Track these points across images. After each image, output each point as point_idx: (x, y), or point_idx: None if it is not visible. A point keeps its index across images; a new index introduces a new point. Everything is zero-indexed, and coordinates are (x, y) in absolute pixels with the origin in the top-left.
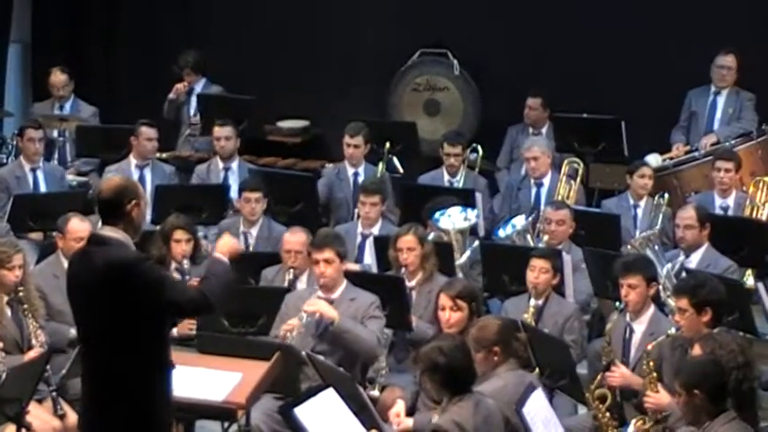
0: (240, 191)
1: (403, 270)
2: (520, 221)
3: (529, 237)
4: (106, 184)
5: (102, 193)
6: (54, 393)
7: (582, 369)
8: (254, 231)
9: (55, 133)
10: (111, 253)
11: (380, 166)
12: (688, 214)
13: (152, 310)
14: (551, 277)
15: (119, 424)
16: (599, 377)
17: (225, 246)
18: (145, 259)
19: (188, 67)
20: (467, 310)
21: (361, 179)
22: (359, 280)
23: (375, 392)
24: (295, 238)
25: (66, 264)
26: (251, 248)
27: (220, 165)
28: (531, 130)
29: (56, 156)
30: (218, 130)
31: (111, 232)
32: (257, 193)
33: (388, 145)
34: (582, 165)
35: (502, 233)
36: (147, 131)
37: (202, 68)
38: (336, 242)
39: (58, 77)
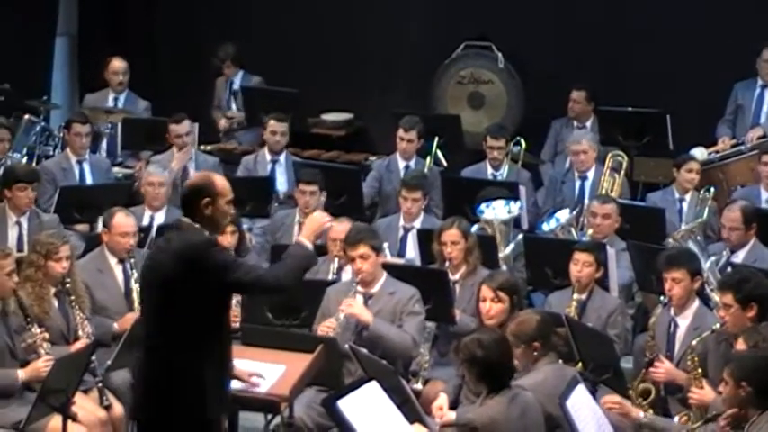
0: (297, 182)
1: (447, 263)
2: (564, 215)
3: (573, 230)
4: (189, 180)
5: (183, 189)
6: (100, 384)
7: (627, 364)
8: None
9: (107, 126)
10: (185, 236)
11: (428, 159)
12: (734, 215)
13: (217, 294)
14: (595, 271)
15: (171, 411)
16: (643, 372)
17: (309, 229)
18: (214, 244)
19: (228, 60)
20: (508, 303)
21: None
22: (402, 273)
23: (418, 386)
24: (342, 227)
25: (111, 259)
26: None
27: (268, 157)
28: (575, 123)
29: (104, 147)
30: (275, 125)
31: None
32: (312, 186)
33: (437, 138)
34: (626, 158)
35: (546, 227)
36: (176, 128)
37: (241, 61)
38: (369, 236)
39: (119, 63)
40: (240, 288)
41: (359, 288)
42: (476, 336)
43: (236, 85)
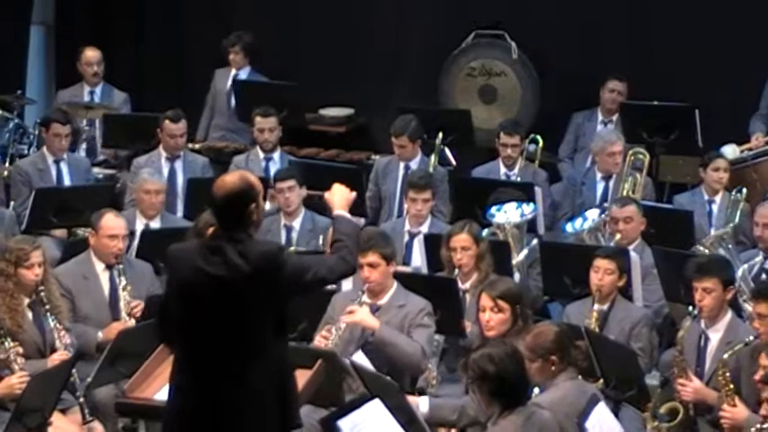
0: (274, 181)
1: (456, 271)
2: (594, 215)
3: (600, 235)
4: (221, 189)
5: (218, 199)
6: (81, 401)
7: (653, 380)
8: (296, 224)
9: (84, 122)
10: (256, 247)
11: (433, 158)
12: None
13: (288, 300)
14: (617, 279)
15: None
16: (671, 389)
17: (341, 199)
18: (284, 248)
19: (239, 46)
20: (509, 313)
21: None
22: (408, 282)
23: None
24: None
25: (97, 265)
26: (293, 244)
27: (261, 155)
28: (600, 117)
29: (83, 146)
30: (261, 121)
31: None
32: (289, 182)
33: (443, 136)
34: (647, 156)
35: (570, 228)
36: (171, 127)
37: (252, 54)
38: (381, 243)
39: (93, 53)
40: (314, 287)
41: (365, 298)
42: (486, 350)
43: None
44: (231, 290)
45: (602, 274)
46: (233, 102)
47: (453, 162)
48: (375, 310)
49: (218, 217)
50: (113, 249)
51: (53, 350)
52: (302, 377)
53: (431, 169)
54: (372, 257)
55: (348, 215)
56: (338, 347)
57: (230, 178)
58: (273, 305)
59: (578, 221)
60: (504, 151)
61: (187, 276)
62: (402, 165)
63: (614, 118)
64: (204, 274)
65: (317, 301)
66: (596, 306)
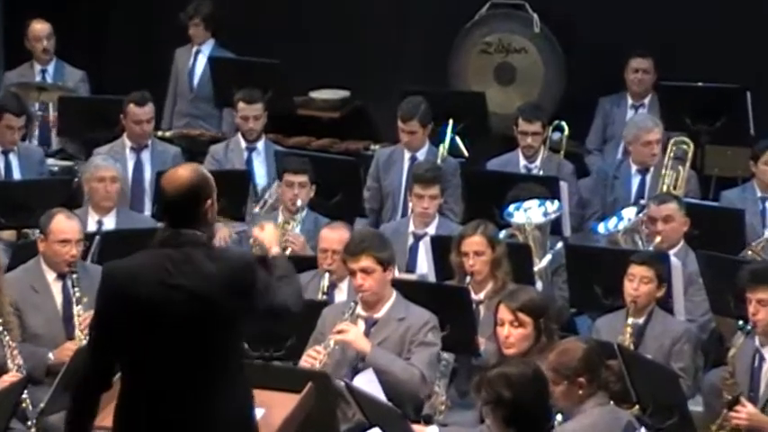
0: (281, 172)
1: (468, 279)
2: (630, 214)
3: (637, 238)
4: (173, 183)
5: (170, 194)
6: (33, 431)
7: (695, 406)
8: (296, 226)
9: (36, 106)
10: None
11: (441, 148)
12: None
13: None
14: (655, 289)
15: None
16: (721, 417)
17: (274, 238)
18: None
19: (198, 18)
20: (531, 327)
21: None
22: (412, 292)
23: None
24: (335, 235)
25: (48, 274)
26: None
27: (242, 145)
28: (629, 101)
29: (35, 134)
30: (245, 108)
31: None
32: (302, 176)
33: (452, 122)
34: (692, 146)
35: (602, 229)
36: (136, 112)
37: (214, 26)
38: (376, 246)
39: (41, 26)
40: (275, 314)
41: (360, 311)
42: (503, 370)
43: (205, 56)
44: (203, 303)
45: (637, 282)
46: (195, 83)
47: (465, 153)
48: (371, 324)
49: (168, 214)
50: (66, 256)
51: (3, 371)
52: (289, 402)
53: (439, 161)
54: (366, 262)
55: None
56: (328, 369)
57: (183, 170)
58: (243, 324)
59: (612, 221)
60: (524, 140)
61: (149, 295)
62: (407, 156)
63: (645, 101)
64: (171, 287)
65: (305, 315)
66: (631, 320)
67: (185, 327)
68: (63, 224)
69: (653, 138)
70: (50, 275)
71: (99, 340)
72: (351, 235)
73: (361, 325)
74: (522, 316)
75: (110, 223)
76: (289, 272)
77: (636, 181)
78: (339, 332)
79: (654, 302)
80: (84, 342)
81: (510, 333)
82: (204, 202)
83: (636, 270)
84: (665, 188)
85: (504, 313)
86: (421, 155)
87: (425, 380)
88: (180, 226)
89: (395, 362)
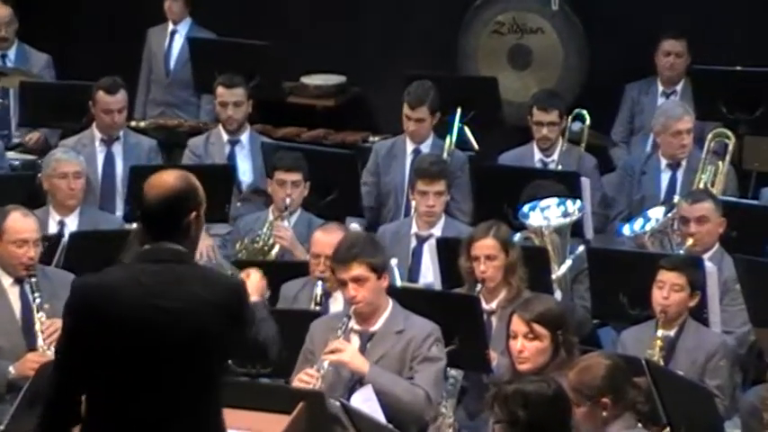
0: (272, 169)
1: (479, 287)
2: (658, 214)
3: (668, 240)
4: (155, 188)
5: (151, 201)
6: None
7: (733, 428)
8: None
9: None
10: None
11: (448, 140)
12: None
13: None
14: (687, 297)
15: None
16: None
17: (256, 288)
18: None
19: None
20: (547, 341)
21: None
22: (415, 301)
23: None
24: (328, 238)
25: (4, 279)
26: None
27: (224, 137)
28: (660, 88)
29: None
30: (224, 93)
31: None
32: (295, 174)
33: (459, 111)
34: (733, 139)
35: (627, 230)
36: (106, 100)
37: (193, 2)
38: (368, 251)
39: (2, 11)
40: (253, 348)
41: (353, 325)
42: (520, 387)
43: (182, 37)
44: (193, 329)
45: (668, 290)
46: (172, 67)
47: (475, 146)
48: (367, 339)
49: (147, 223)
50: (23, 259)
51: None
52: (279, 425)
53: (445, 155)
54: (357, 270)
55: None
56: (321, 389)
57: (169, 176)
58: (231, 353)
59: (637, 222)
60: (539, 132)
61: (131, 316)
62: (410, 148)
63: (678, 88)
64: (157, 309)
65: (296, 327)
66: (660, 332)
67: (170, 353)
68: (19, 223)
69: (683, 127)
70: (6, 280)
71: (69, 367)
72: (339, 240)
73: (356, 341)
74: (537, 328)
75: (72, 224)
76: (268, 317)
77: (666, 177)
78: (333, 351)
79: (686, 313)
80: (49, 353)
81: (524, 347)
82: (188, 215)
83: (666, 276)
84: (701, 184)
85: (518, 325)
86: (425, 147)
87: (430, 400)
88: (160, 238)
89: (396, 382)
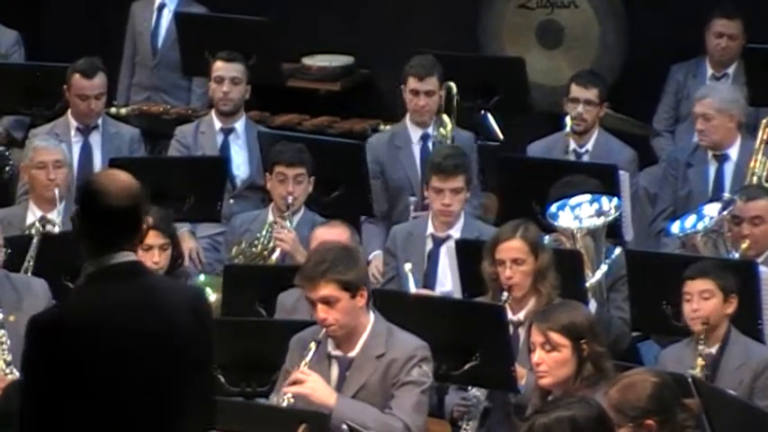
0: (272, 163)
1: (505, 295)
2: (713, 211)
3: (722, 241)
4: (124, 186)
5: (115, 198)
6: None
7: None
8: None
9: None
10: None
11: (446, 118)
12: None
13: None
14: (721, 304)
15: None
16: None
17: None
18: None
19: None
20: (568, 352)
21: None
22: (432, 311)
23: None
24: (331, 236)
25: None
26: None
27: (217, 125)
28: (709, 71)
29: None
30: (222, 67)
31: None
32: (298, 169)
33: (453, 86)
34: None
35: (676, 228)
36: (82, 84)
37: None
38: (338, 268)
39: None
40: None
41: (331, 350)
42: (561, 414)
43: (171, 12)
44: (178, 351)
45: (697, 301)
46: (159, 46)
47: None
48: (346, 367)
49: (110, 230)
50: None
51: None
52: None
53: (442, 131)
54: (325, 289)
55: None
56: None
57: (122, 174)
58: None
59: (689, 219)
60: (574, 109)
61: (116, 349)
62: (416, 135)
63: (729, 71)
64: (142, 335)
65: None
66: (701, 346)
67: (156, 380)
68: None
69: (698, 110)
70: None
71: (44, 415)
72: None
73: (335, 368)
74: (554, 337)
75: (56, 220)
76: None
77: (712, 169)
78: (294, 383)
79: (726, 323)
80: (11, 376)
81: (542, 359)
82: (146, 218)
83: (691, 287)
84: (754, 179)
85: (535, 335)
86: (432, 131)
87: (409, 430)
88: (119, 247)
89: (368, 414)
